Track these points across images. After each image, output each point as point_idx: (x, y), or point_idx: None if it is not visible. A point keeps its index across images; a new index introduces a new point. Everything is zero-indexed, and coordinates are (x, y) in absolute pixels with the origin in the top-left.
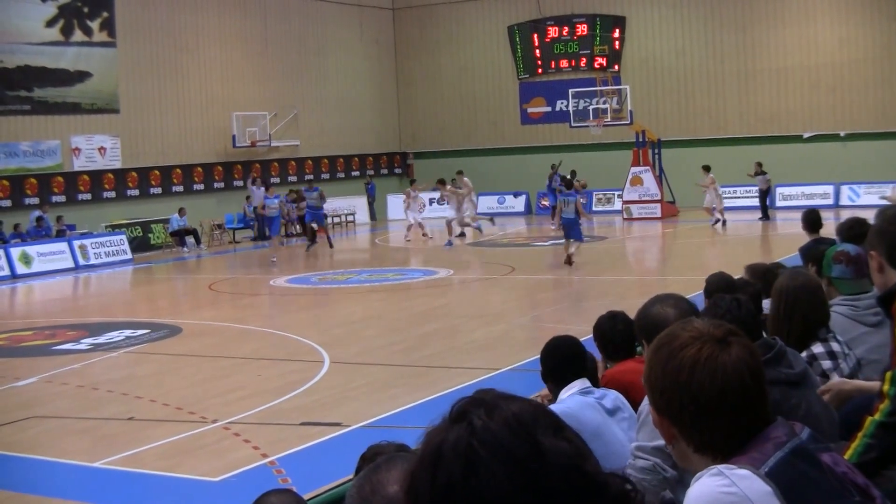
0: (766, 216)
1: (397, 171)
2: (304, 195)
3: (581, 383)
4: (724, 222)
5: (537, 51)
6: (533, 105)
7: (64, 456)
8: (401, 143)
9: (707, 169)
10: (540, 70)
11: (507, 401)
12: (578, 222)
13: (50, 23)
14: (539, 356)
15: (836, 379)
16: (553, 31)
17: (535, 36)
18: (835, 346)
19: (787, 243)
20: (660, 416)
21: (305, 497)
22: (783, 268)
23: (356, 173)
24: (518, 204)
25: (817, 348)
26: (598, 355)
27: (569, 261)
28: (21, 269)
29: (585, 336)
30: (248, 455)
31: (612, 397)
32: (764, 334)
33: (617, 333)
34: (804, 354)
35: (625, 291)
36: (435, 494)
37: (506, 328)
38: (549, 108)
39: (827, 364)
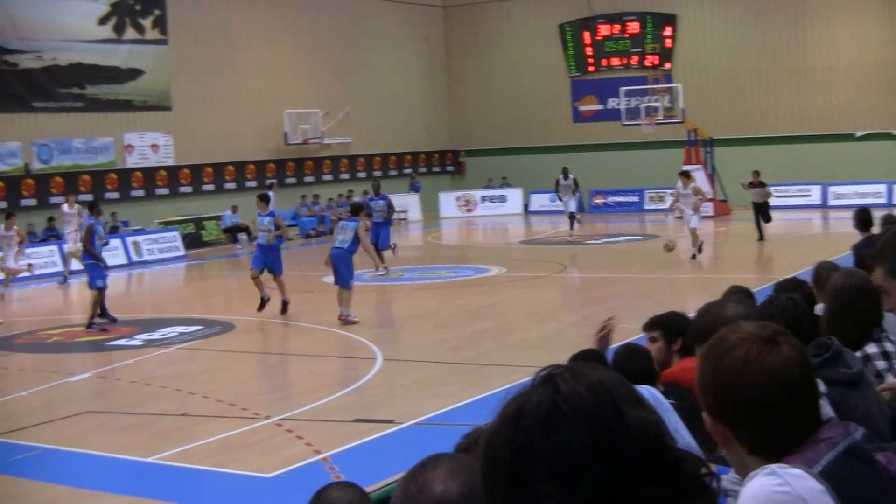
0: (761, 236)
1: (449, 168)
2: (369, 204)
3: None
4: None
5: (588, 49)
6: (585, 103)
7: (117, 451)
8: (452, 140)
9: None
10: (591, 68)
11: (591, 368)
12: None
13: (102, 20)
14: None
15: (891, 379)
16: (604, 29)
17: (587, 34)
18: (888, 347)
19: (843, 241)
20: (713, 420)
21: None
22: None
23: (408, 170)
24: (570, 202)
25: (871, 348)
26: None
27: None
28: (74, 265)
29: (635, 335)
30: (301, 451)
31: (650, 392)
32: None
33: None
34: (857, 355)
35: (676, 289)
36: (514, 452)
37: (557, 326)
38: (600, 106)
39: (881, 364)
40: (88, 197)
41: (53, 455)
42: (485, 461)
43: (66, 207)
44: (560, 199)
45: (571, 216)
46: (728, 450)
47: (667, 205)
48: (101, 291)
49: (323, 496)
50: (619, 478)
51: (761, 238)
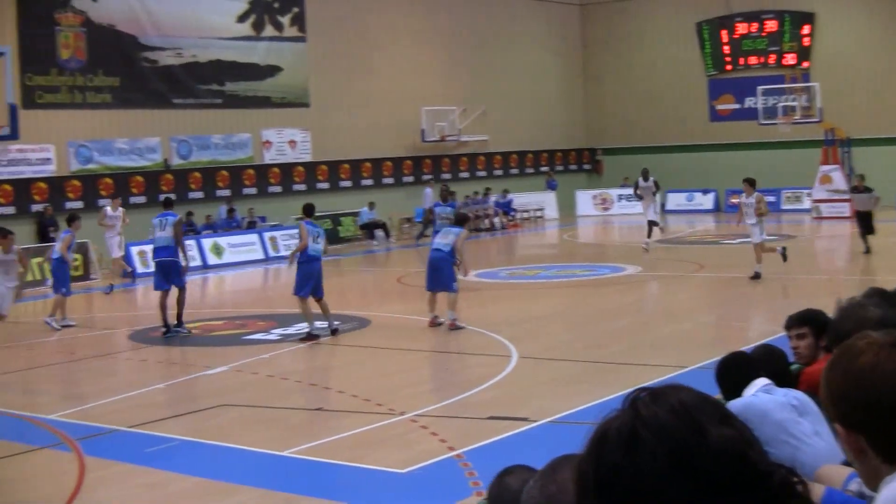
0: (867, 248)
1: (585, 167)
2: (435, 210)
3: (762, 382)
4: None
5: (726, 47)
6: (722, 102)
7: (252, 444)
8: (588, 138)
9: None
10: (729, 67)
11: (675, 389)
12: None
13: (241, 18)
14: (714, 376)
15: None
16: (742, 28)
17: (724, 32)
18: None
19: None
20: (846, 430)
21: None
22: None
23: (545, 169)
24: (707, 201)
25: None
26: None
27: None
28: (212, 259)
29: (771, 336)
30: (435, 448)
31: (795, 394)
32: None
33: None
34: None
35: (813, 291)
36: (599, 477)
37: (693, 326)
38: (737, 105)
39: None
40: (226, 193)
41: (189, 447)
42: (576, 484)
43: (109, 210)
44: (638, 199)
45: (651, 224)
46: (860, 461)
47: (805, 204)
48: (64, 298)
49: (503, 482)
50: (700, 496)
51: (867, 251)
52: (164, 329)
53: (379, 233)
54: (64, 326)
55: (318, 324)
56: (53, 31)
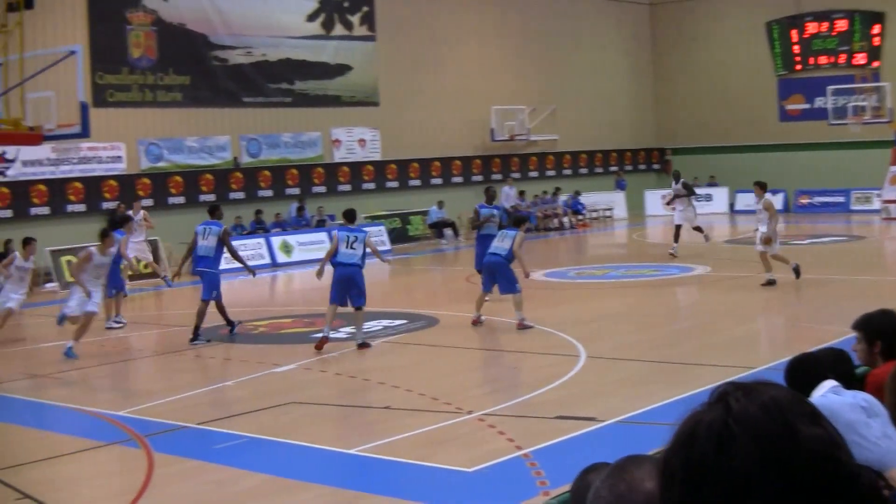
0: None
1: (655, 166)
2: (479, 211)
3: (830, 384)
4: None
5: (796, 46)
6: (791, 102)
7: (320, 442)
8: (658, 138)
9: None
10: (798, 66)
11: (766, 386)
12: None
13: (311, 17)
14: (783, 377)
15: None
16: (812, 27)
17: (794, 32)
18: None
19: None
20: None
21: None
22: None
23: (614, 168)
24: (775, 202)
25: None
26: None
27: None
28: (281, 257)
29: (841, 337)
30: (503, 447)
31: (863, 396)
32: None
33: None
34: None
35: (883, 292)
36: (688, 473)
37: (762, 327)
38: (807, 105)
39: None
40: (295, 191)
41: (258, 444)
42: (661, 480)
43: (133, 214)
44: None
45: (678, 229)
46: None
47: (875, 205)
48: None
49: (585, 479)
50: (790, 496)
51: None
52: (229, 327)
53: (448, 232)
54: (116, 323)
55: (346, 330)
56: (124, 30)
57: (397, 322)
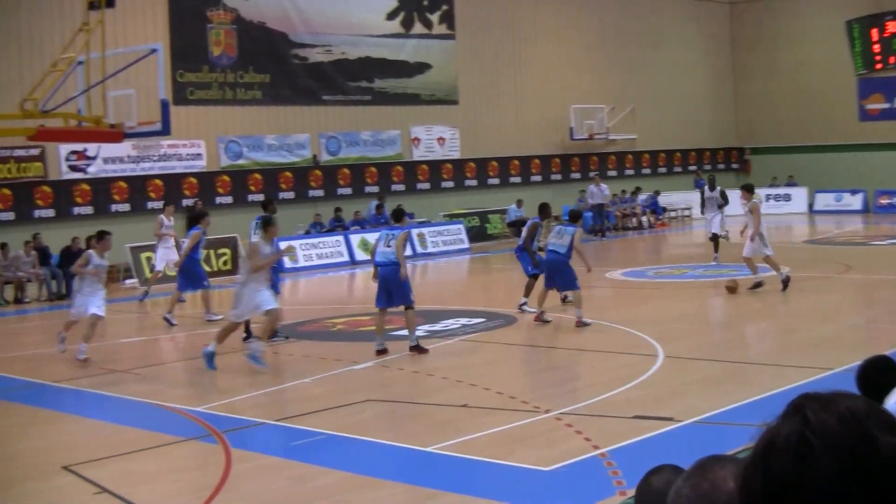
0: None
1: (734, 166)
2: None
3: None
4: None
5: (876, 46)
6: (871, 101)
7: (397, 439)
8: (737, 138)
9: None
10: (879, 65)
11: (843, 396)
12: None
13: (390, 15)
14: (855, 379)
15: None
16: (892, 26)
17: (874, 31)
18: None
19: None
20: None
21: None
22: None
23: (693, 167)
24: (855, 202)
25: None
26: None
27: None
28: (360, 255)
29: None
30: (580, 446)
31: None
32: None
33: None
34: None
35: None
36: (767, 486)
37: (840, 328)
38: (887, 105)
39: None
40: (375, 189)
41: (335, 441)
42: (741, 492)
43: (164, 218)
44: (702, 213)
45: (715, 238)
46: None
47: None
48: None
49: (648, 481)
50: None
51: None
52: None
53: None
54: (214, 316)
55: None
56: (205, 29)
57: (475, 320)
